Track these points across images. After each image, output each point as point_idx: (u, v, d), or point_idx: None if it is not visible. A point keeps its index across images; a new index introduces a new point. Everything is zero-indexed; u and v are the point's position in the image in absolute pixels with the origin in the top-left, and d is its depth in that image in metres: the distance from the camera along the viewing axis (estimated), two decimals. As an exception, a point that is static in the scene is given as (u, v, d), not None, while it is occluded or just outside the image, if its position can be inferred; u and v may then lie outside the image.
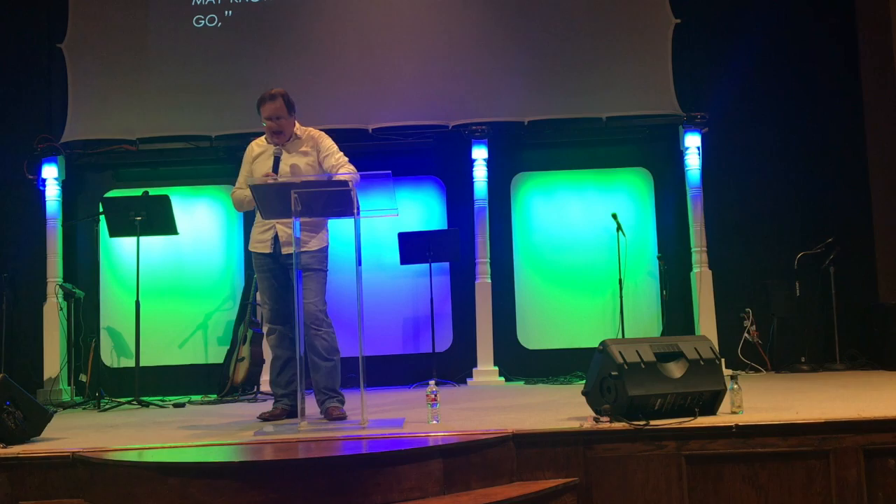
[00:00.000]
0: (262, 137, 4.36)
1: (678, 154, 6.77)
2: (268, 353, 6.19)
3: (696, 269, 6.56)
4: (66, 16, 6.84)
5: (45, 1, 6.98)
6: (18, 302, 6.44)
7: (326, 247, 4.27)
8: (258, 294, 6.09)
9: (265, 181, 3.80)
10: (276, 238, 4.19)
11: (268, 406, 4.41)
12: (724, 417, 3.43)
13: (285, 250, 4.15)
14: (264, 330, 4.52)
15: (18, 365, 6.37)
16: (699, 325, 6.43)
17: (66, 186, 6.83)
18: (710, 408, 3.54)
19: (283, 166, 4.17)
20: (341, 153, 4.28)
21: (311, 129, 4.36)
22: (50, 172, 6.70)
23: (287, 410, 4.20)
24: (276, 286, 4.24)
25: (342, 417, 3.98)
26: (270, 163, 4.18)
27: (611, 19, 6.76)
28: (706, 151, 6.66)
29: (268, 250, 4.21)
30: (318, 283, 4.14)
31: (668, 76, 6.65)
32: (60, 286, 6.52)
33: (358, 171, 4.09)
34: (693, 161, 6.63)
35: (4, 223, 6.71)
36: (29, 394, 3.65)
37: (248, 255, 6.74)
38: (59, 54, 6.84)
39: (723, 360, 4.54)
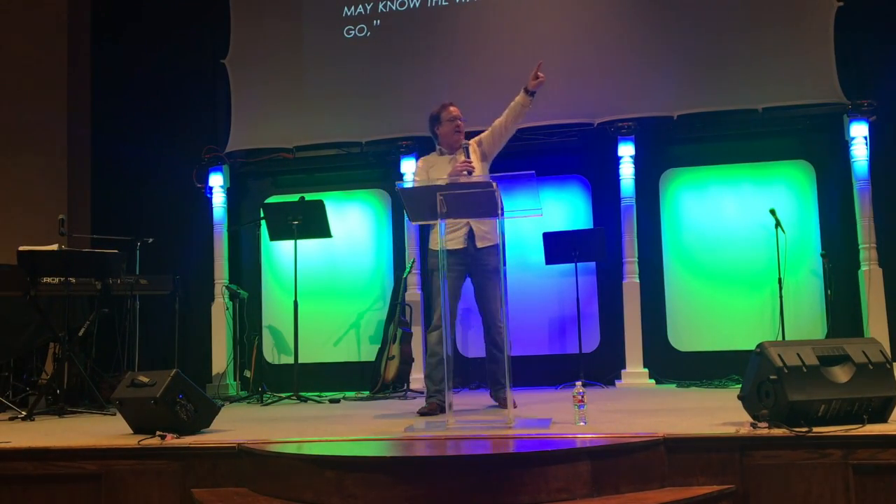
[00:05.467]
0: (431, 155, 4.61)
1: (843, 145, 6.35)
2: (417, 352, 6.35)
3: (864, 268, 6.13)
4: (229, 33, 7.30)
5: (210, 20, 7.45)
6: (189, 302, 6.84)
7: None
8: (417, 292, 6.26)
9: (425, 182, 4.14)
10: (470, 233, 4.34)
11: (417, 403, 4.51)
12: (896, 426, 3.19)
13: (480, 244, 4.33)
14: (429, 328, 4.61)
15: (190, 361, 6.72)
16: (868, 326, 6.00)
17: (231, 193, 7.28)
18: (881, 415, 3.29)
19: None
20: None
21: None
22: (216, 181, 7.18)
23: (441, 405, 4.29)
24: (460, 284, 4.39)
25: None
26: (448, 167, 4.39)
27: (765, 6, 6.44)
28: (874, 141, 6.21)
29: (461, 245, 4.36)
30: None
31: (831, 63, 6.26)
32: (227, 287, 6.93)
33: (502, 171, 4.12)
34: (859, 152, 6.20)
35: (176, 229, 7.15)
36: (199, 388, 3.88)
37: (398, 258, 7.00)
38: (223, 70, 7.30)
39: (895, 364, 4.22)
